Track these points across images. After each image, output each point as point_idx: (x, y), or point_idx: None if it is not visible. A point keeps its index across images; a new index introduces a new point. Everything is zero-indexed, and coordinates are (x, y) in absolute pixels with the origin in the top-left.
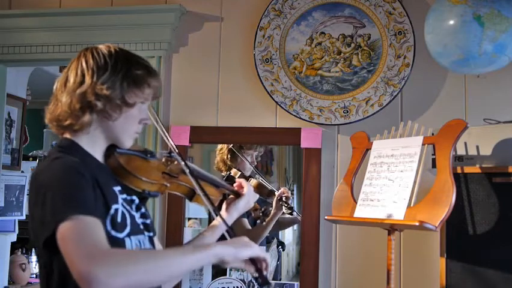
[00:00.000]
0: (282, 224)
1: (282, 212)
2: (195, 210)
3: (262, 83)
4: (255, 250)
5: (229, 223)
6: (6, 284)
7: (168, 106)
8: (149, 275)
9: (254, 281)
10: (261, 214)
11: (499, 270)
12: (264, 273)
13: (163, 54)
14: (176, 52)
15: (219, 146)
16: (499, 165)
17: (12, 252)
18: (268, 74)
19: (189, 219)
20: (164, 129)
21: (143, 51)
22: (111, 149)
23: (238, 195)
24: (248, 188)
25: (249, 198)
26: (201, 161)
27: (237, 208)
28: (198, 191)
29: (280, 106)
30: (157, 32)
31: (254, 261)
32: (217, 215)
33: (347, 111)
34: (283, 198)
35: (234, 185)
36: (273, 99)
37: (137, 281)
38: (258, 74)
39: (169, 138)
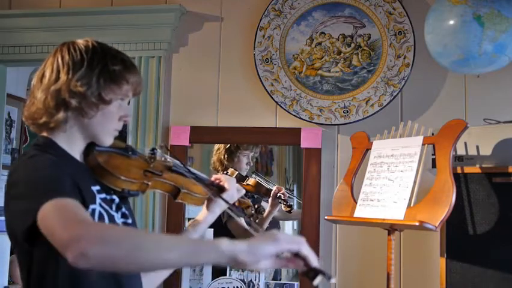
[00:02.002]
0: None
1: (277, 209)
2: (195, 210)
3: (262, 83)
4: (282, 244)
5: (211, 220)
6: (6, 284)
7: (168, 106)
8: (133, 255)
9: (306, 278)
10: (253, 211)
11: (499, 270)
12: (311, 265)
13: (163, 54)
14: (176, 52)
15: (216, 146)
16: (499, 165)
17: (12, 252)
18: (268, 74)
19: (189, 219)
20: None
21: (143, 51)
22: (90, 147)
23: (221, 190)
24: (230, 183)
25: (233, 193)
26: (201, 161)
27: (219, 204)
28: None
29: (280, 106)
30: (157, 32)
31: (297, 256)
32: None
33: (347, 111)
34: (282, 197)
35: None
36: (273, 99)
37: (120, 256)
38: (258, 74)
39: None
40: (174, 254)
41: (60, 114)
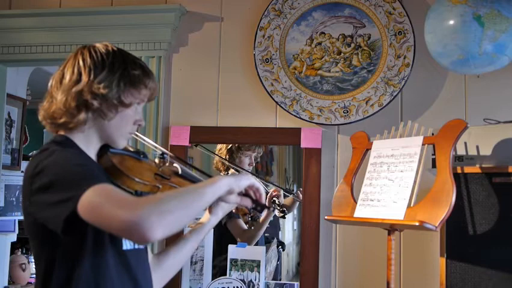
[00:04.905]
0: (287, 207)
1: (273, 214)
2: None
3: (262, 83)
4: (252, 179)
5: (215, 222)
6: (6, 284)
7: (168, 106)
8: (187, 208)
9: (255, 211)
10: (249, 219)
11: (499, 270)
12: (260, 201)
13: (163, 54)
14: (176, 52)
15: (218, 146)
16: (499, 165)
17: (12, 252)
18: (268, 74)
19: None
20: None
21: (143, 51)
22: (104, 149)
23: None
24: None
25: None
26: (201, 161)
27: (222, 207)
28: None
29: (280, 106)
30: (157, 32)
31: (248, 194)
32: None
33: (347, 111)
34: (277, 201)
35: None
36: (273, 99)
37: (181, 215)
38: (258, 74)
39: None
40: (207, 196)
41: (81, 115)
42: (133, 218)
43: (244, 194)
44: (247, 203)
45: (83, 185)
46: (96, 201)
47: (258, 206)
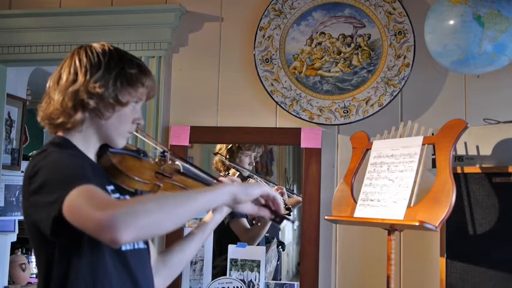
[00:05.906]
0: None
1: None
2: None
3: (262, 83)
4: (264, 188)
5: (220, 220)
6: (6, 284)
7: (168, 106)
8: (168, 213)
9: (273, 223)
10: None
11: (499, 270)
12: (279, 211)
13: (163, 54)
14: (176, 52)
15: (218, 146)
16: (499, 165)
17: (12, 252)
18: (268, 74)
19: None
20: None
21: (143, 51)
22: (103, 149)
23: None
24: None
25: None
26: (201, 161)
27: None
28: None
29: (280, 106)
30: (157, 32)
31: (266, 205)
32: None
33: (347, 111)
34: (282, 199)
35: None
36: (273, 99)
37: (157, 220)
38: (258, 74)
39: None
40: (201, 202)
41: (78, 115)
42: (103, 217)
43: (264, 204)
44: (266, 213)
45: (69, 186)
46: (77, 202)
47: (277, 217)
